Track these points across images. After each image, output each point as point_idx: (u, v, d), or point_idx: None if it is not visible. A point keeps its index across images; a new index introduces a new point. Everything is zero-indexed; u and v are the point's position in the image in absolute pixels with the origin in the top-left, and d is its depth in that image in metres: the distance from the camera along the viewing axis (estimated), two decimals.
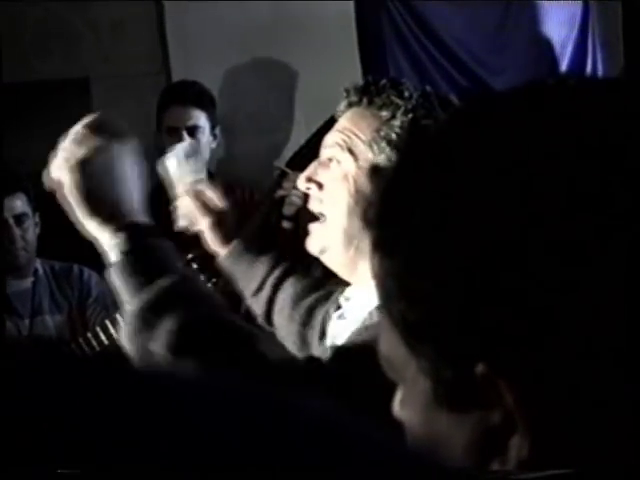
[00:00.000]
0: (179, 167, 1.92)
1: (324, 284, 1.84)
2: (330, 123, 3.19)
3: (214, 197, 1.84)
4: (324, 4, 3.99)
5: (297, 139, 3.39)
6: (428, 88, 1.66)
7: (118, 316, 2.75)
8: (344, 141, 1.61)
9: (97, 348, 2.76)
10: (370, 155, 1.57)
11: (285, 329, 1.81)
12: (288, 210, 3.17)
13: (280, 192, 3.09)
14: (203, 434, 0.33)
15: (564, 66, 4.40)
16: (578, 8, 4.44)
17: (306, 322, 1.76)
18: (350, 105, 1.65)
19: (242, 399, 0.36)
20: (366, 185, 1.55)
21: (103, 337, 2.75)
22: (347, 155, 1.59)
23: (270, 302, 1.84)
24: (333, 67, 3.91)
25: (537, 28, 4.39)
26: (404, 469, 0.36)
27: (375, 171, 1.55)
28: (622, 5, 4.44)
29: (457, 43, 4.30)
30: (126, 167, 1.47)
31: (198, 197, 1.89)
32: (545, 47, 4.41)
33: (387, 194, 0.63)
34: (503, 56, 4.33)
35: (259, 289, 1.85)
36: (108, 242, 1.39)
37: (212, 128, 3.41)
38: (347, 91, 1.65)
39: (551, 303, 0.56)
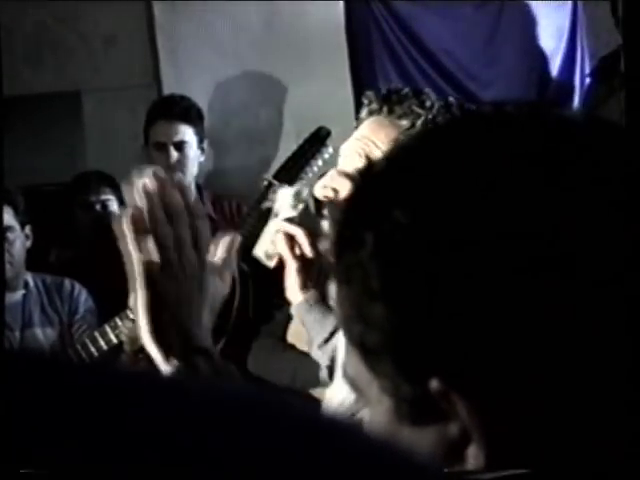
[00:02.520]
0: (290, 204, 1.92)
1: None
2: (316, 135, 3.20)
3: (305, 244, 1.81)
4: (314, 18, 4.00)
5: (287, 152, 3.39)
6: (450, 98, 1.65)
7: (107, 327, 2.77)
8: (362, 149, 1.60)
9: (87, 360, 2.76)
10: None
11: None
12: None
13: (266, 203, 3.09)
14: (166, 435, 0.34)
15: (553, 77, 4.42)
16: (567, 20, 4.46)
17: None
18: (371, 113, 1.63)
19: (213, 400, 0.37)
20: None
21: (92, 349, 2.76)
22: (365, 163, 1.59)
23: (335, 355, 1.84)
24: (323, 80, 3.92)
25: (526, 40, 4.41)
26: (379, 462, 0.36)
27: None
28: (623, 7, 4.45)
29: (447, 56, 4.32)
30: (208, 291, 1.15)
31: (290, 240, 1.87)
32: (534, 59, 4.42)
33: (341, 225, 0.66)
34: (492, 69, 4.34)
35: (327, 341, 1.85)
36: (162, 365, 1.15)
37: (200, 142, 3.41)
38: (368, 99, 1.64)
39: (500, 319, 0.59)
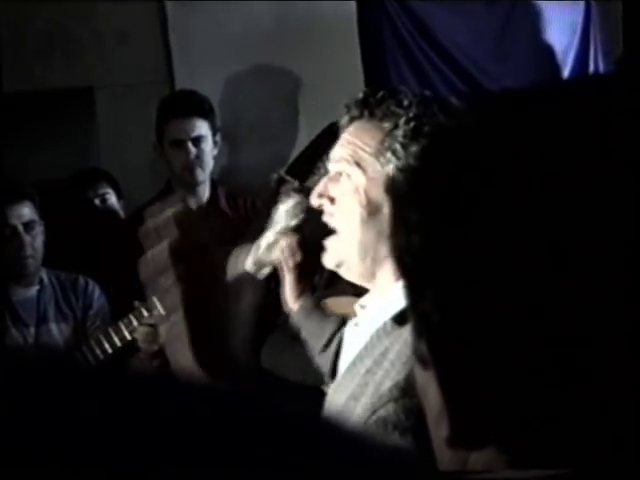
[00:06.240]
0: (287, 214, 1.95)
1: None
2: (328, 130, 3.19)
3: (299, 254, 1.86)
4: (327, 13, 4.01)
5: (300, 147, 3.40)
6: (427, 93, 1.67)
7: (121, 324, 2.77)
8: (351, 155, 1.60)
9: (100, 357, 2.78)
10: (378, 167, 1.57)
11: None
12: None
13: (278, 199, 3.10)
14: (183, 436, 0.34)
15: (566, 73, 4.41)
16: (580, 15, 4.45)
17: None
18: (352, 119, 1.64)
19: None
20: (377, 196, 1.56)
21: (106, 346, 2.77)
22: (355, 168, 1.59)
23: (336, 357, 1.85)
24: (336, 75, 3.92)
25: (539, 36, 4.40)
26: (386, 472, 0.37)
27: (392, 183, 1.55)
28: (622, 7, 4.45)
29: (459, 51, 4.32)
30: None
31: (290, 250, 1.95)
32: (547, 55, 4.42)
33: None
34: (505, 64, 4.34)
35: (327, 345, 1.86)
36: None
37: (213, 136, 3.42)
38: (348, 106, 1.65)
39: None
